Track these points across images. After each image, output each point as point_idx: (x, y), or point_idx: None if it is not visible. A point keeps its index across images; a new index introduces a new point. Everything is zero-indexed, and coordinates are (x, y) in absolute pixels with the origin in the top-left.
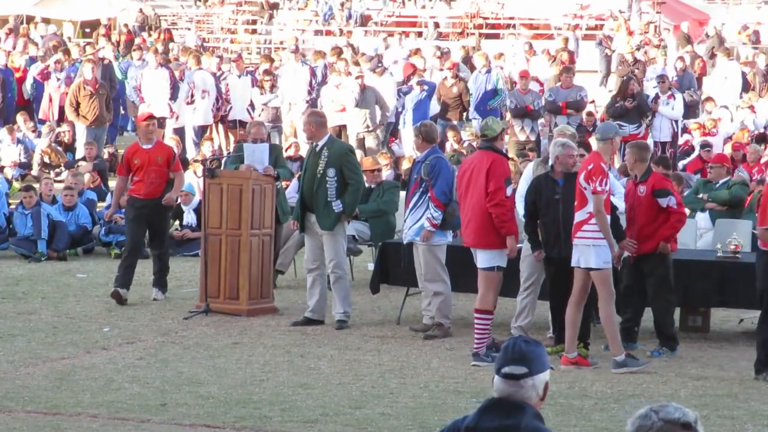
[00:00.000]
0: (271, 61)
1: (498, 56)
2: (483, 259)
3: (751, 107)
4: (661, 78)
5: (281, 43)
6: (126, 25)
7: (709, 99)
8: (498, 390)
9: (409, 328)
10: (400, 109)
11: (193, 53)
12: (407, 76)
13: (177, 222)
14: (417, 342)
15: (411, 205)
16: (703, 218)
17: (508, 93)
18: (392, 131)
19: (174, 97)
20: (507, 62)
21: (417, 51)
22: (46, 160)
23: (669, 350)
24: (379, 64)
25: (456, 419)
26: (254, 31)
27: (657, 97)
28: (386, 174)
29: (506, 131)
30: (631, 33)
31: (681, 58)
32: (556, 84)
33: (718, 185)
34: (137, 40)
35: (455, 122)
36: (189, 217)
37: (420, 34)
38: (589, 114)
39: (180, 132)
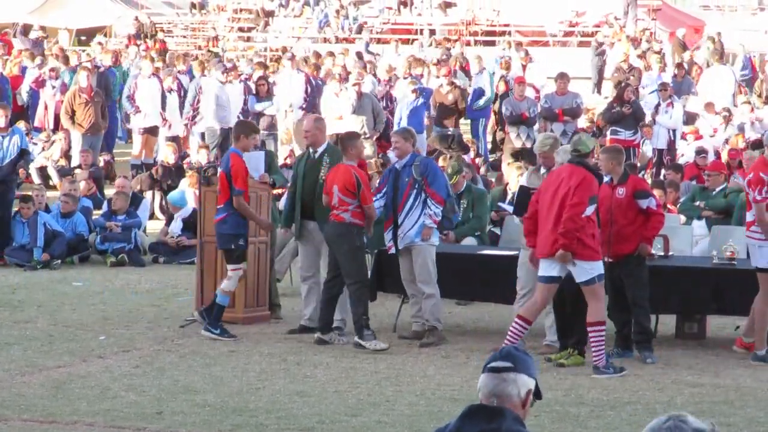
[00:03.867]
0: (265, 68)
1: (505, 66)
2: (579, 273)
3: (751, 107)
4: (663, 86)
5: (277, 50)
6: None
7: (709, 104)
8: (481, 386)
9: (398, 336)
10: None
11: (199, 60)
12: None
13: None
14: (413, 350)
15: (407, 208)
16: (699, 225)
17: (504, 101)
18: (387, 138)
19: (164, 105)
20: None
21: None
22: (62, 164)
23: (650, 351)
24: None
25: (437, 428)
26: (249, 39)
27: (658, 105)
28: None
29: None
30: (636, 41)
31: (680, 65)
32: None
33: (714, 192)
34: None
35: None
36: (175, 225)
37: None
38: (591, 122)
39: (175, 140)
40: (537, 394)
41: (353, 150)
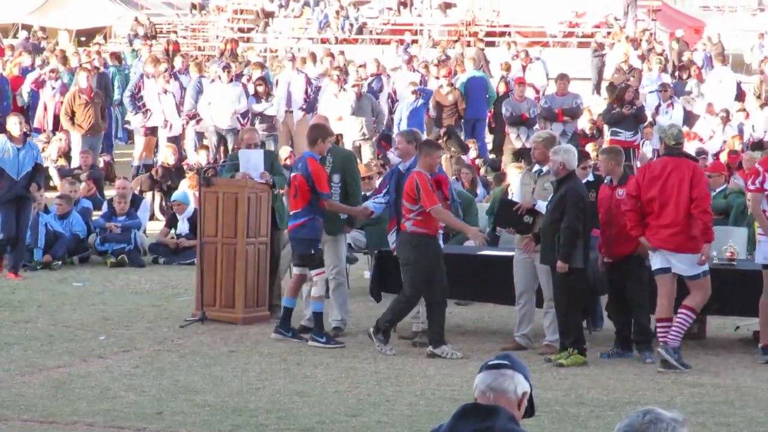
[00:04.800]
0: (262, 67)
1: (506, 67)
2: (686, 267)
3: (746, 113)
4: (663, 87)
5: (276, 51)
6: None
7: (709, 106)
8: (478, 383)
9: (398, 336)
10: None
11: (196, 61)
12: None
13: (172, 231)
14: (413, 349)
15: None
16: None
17: (504, 101)
18: (387, 139)
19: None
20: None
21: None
22: (62, 164)
23: (650, 351)
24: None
25: (432, 428)
26: (249, 39)
27: (659, 105)
28: (379, 182)
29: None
30: (636, 41)
31: (683, 67)
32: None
33: (714, 193)
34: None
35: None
36: (182, 226)
37: (415, 42)
38: (593, 122)
39: (175, 140)
40: (530, 408)
41: (427, 158)
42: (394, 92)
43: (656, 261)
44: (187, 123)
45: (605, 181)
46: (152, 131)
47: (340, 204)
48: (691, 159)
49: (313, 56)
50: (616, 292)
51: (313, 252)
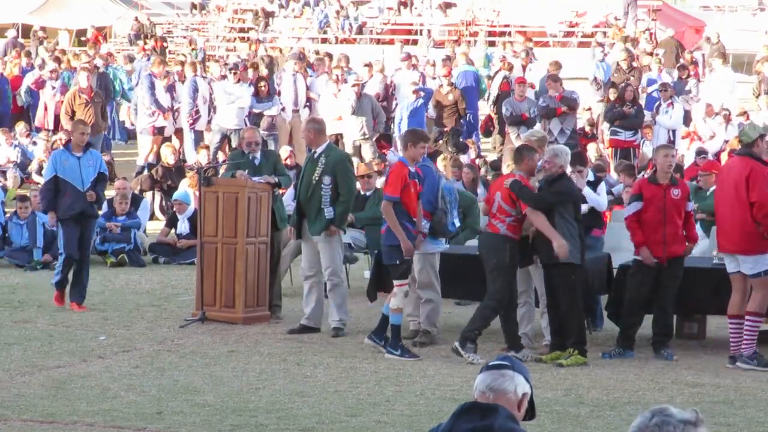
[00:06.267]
0: (256, 67)
1: (508, 66)
2: (749, 266)
3: (746, 115)
4: (663, 86)
5: (280, 51)
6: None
7: (708, 107)
8: (478, 383)
9: None
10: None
11: (191, 61)
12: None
13: (172, 230)
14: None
15: None
16: (697, 226)
17: (505, 101)
18: (387, 139)
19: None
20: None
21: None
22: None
23: (671, 349)
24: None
25: (431, 428)
26: (248, 39)
27: (659, 105)
28: (380, 182)
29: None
30: (634, 40)
31: (682, 67)
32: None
33: (708, 193)
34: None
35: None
36: (183, 226)
37: (416, 42)
38: (592, 124)
39: (169, 140)
40: (531, 411)
41: (530, 162)
42: (394, 88)
43: (731, 265)
44: (196, 122)
45: (649, 179)
46: (159, 131)
47: (393, 217)
48: (754, 158)
49: (303, 56)
50: (644, 291)
51: (398, 262)
